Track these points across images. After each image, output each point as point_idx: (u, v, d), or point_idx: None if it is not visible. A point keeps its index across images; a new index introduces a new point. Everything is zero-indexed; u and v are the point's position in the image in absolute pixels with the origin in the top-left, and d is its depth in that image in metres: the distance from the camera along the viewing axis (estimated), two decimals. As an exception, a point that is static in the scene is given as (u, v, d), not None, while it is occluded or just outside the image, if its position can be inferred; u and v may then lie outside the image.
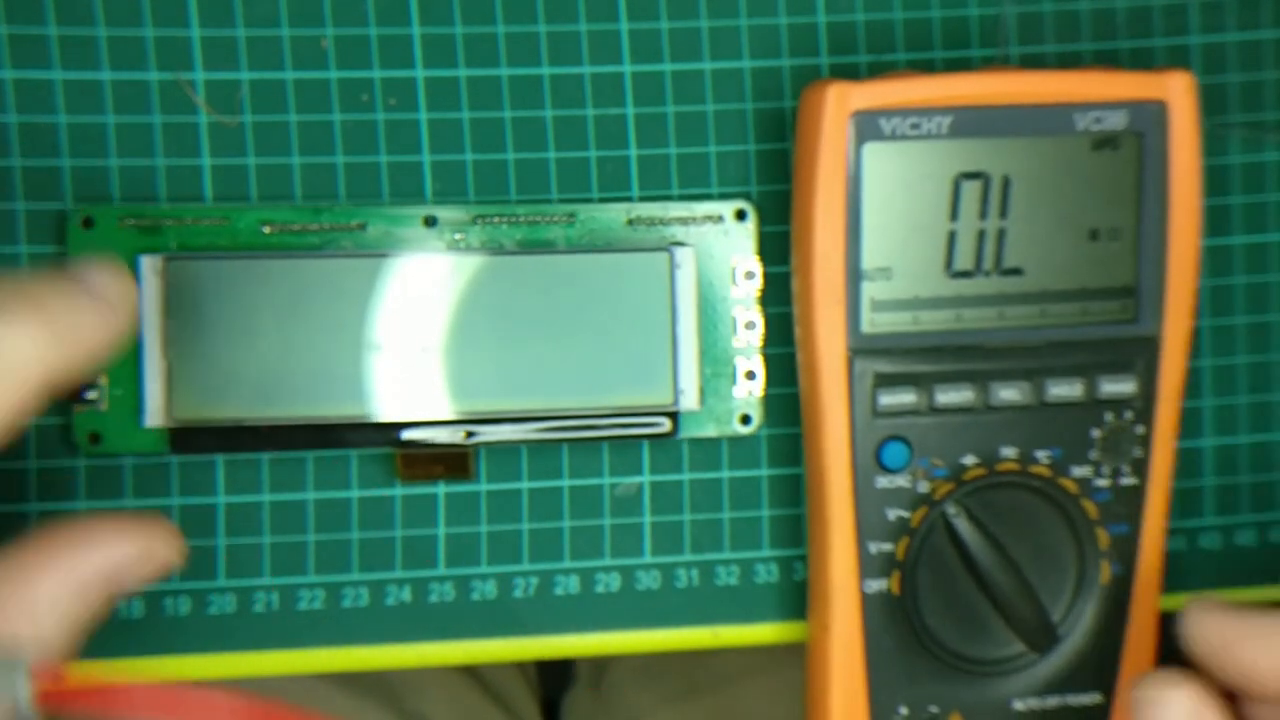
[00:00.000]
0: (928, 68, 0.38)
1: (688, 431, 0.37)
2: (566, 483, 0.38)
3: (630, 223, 0.37)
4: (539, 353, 0.36)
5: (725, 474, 0.38)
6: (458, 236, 0.36)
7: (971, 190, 0.35)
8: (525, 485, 0.37)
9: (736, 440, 0.38)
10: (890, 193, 0.34)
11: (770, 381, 0.38)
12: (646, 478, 0.38)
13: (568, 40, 0.37)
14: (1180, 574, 0.39)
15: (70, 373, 0.25)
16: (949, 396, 0.35)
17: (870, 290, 0.35)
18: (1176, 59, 0.38)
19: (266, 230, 0.36)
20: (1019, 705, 0.36)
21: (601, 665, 0.55)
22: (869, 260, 0.35)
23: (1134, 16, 0.38)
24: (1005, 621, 0.36)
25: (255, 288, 0.36)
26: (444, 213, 0.36)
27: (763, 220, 0.37)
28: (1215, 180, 0.38)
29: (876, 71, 0.37)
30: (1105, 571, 0.36)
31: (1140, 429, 0.36)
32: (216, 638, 0.37)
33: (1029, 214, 0.35)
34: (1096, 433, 0.36)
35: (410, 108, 0.37)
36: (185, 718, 0.25)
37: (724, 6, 0.37)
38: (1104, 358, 0.35)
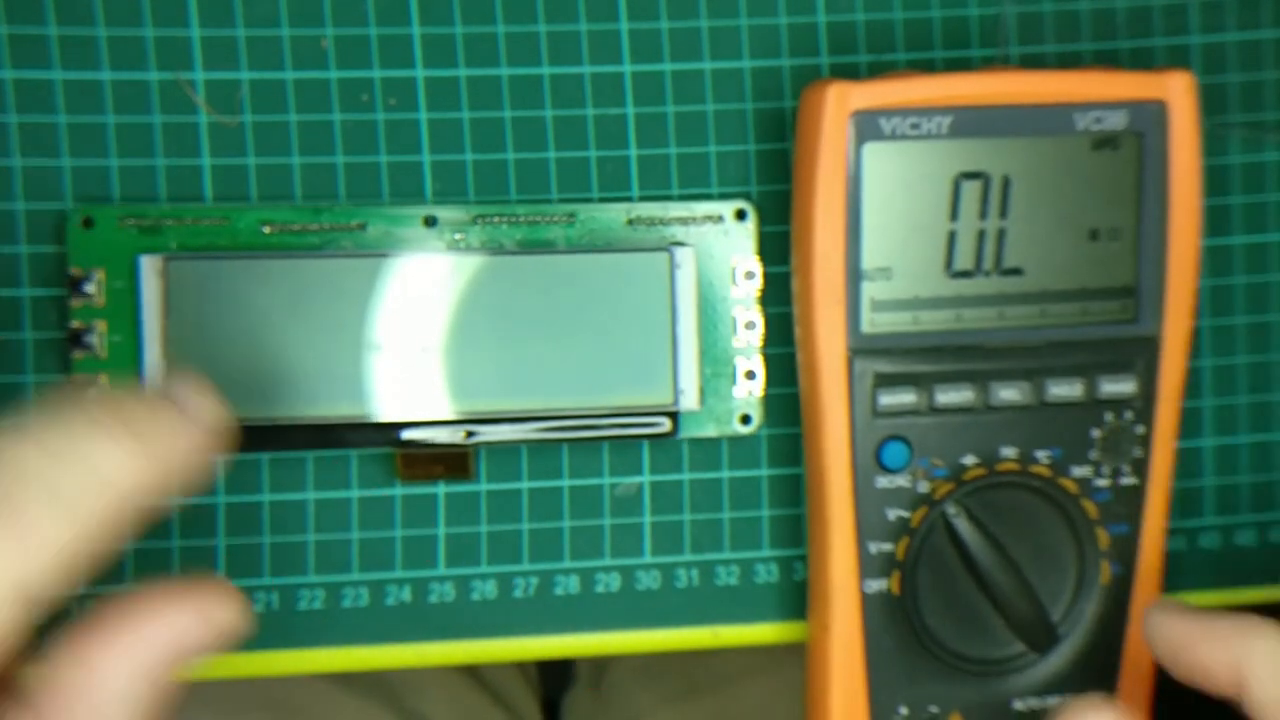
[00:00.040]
0: (928, 68, 0.38)
1: (688, 431, 0.37)
2: (566, 483, 0.38)
3: (630, 223, 0.37)
4: (539, 353, 0.36)
5: (725, 474, 0.38)
6: (458, 236, 0.36)
7: (971, 190, 0.35)
8: (525, 485, 0.37)
9: (736, 440, 0.38)
10: (890, 193, 0.34)
11: (770, 381, 0.38)
12: (646, 478, 0.38)
13: (568, 40, 0.37)
14: (1180, 574, 0.39)
15: (159, 492, 0.25)
16: (949, 396, 0.35)
17: (870, 290, 0.35)
18: (1176, 59, 0.38)
19: (266, 230, 0.36)
20: (1019, 705, 0.36)
21: (601, 665, 0.55)
22: (869, 260, 0.35)
23: (1134, 16, 0.38)
24: (1005, 621, 0.36)
25: (255, 288, 0.36)
26: (444, 213, 0.36)
27: (763, 220, 0.37)
28: (1215, 180, 0.38)
29: (876, 71, 0.37)
30: (1105, 571, 0.36)
31: (1140, 429, 0.36)
32: (216, 638, 0.37)
33: (1029, 214, 0.35)
34: (1096, 433, 0.36)
35: (410, 108, 0.37)
36: None
37: (724, 6, 0.37)
38: (1104, 358, 0.35)
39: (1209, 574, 0.39)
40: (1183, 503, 0.39)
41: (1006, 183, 0.35)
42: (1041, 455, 0.35)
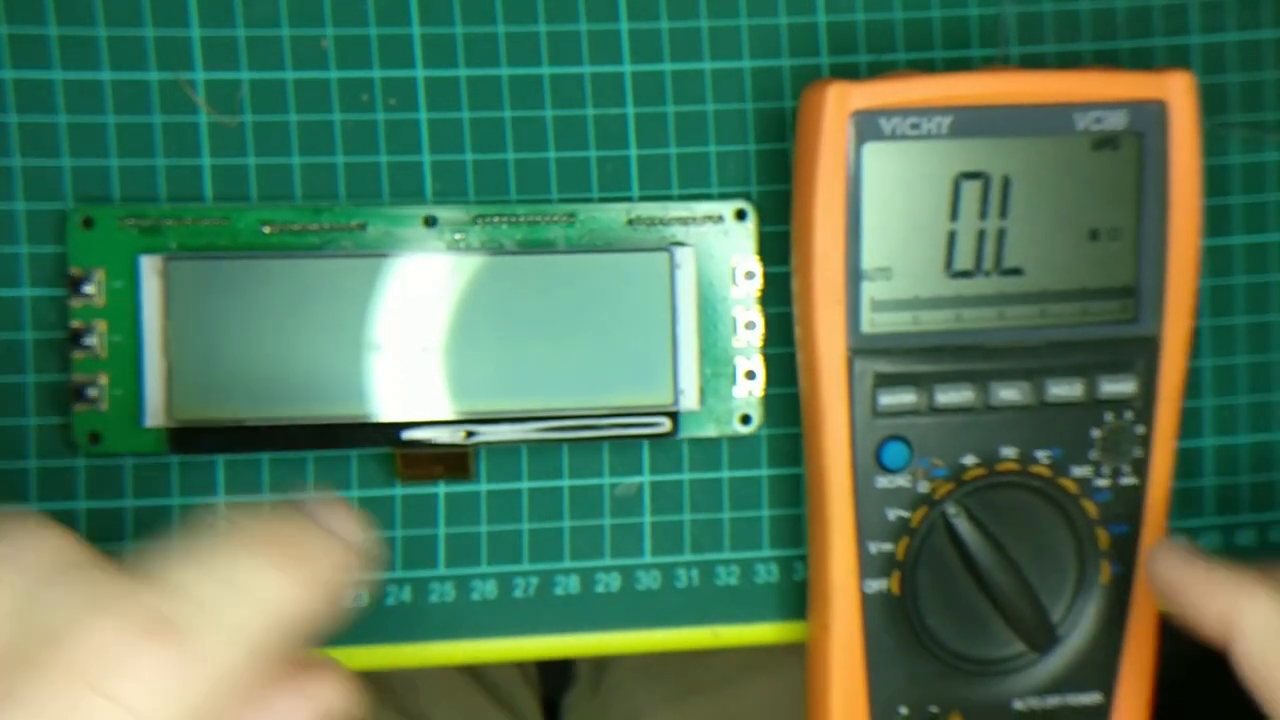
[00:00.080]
0: (928, 68, 0.38)
1: (688, 431, 0.37)
2: (566, 483, 0.38)
3: (630, 223, 0.37)
4: (539, 353, 0.36)
5: (725, 474, 0.38)
6: (458, 236, 0.36)
7: (971, 190, 0.35)
8: (525, 485, 0.37)
9: (736, 440, 0.38)
10: (890, 193, 0.34)
11: (770, 381, 0.38)
12: (646, 478, 0.38)
13: (568, 40, 0.37)
14: (1180, 574, 0.39)
15: (315, 615, 0.25)
16: (949, 396, 0.35)
17: (870, 290, 0.35)
18: (1176, 59, 0.38)
19: (266, 230, 0.36)
20: (1019, 705, 0.36)
21: (601, 665, 0.55)
22: (869, 260, 0.35)
23: (1134, 16, 0.38)
24: (1005, 621, 0.36)
25: (255, 288, 0.36)
26: (444, 213, 0.36)
27: (763, 220, 0.37)
28: (1215, 180, 0.38)
29: (876, 71, 0.37)
30: (1105, 571, 0.36)
31: (1140, 429, 0.36)
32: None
33: (1029, 214, 0.35)
34: (1096, 433, 0.36)
35: (410, 108, 0.37)
36: None
37: (724, 6, 0.37)
38: (1104, 358, 0.35)
39: (1209, 574, 0.39)
40: (1183, 503, 0.39)
41: (1006, 183, 0.35)
42: (1041, 455, 0.35)
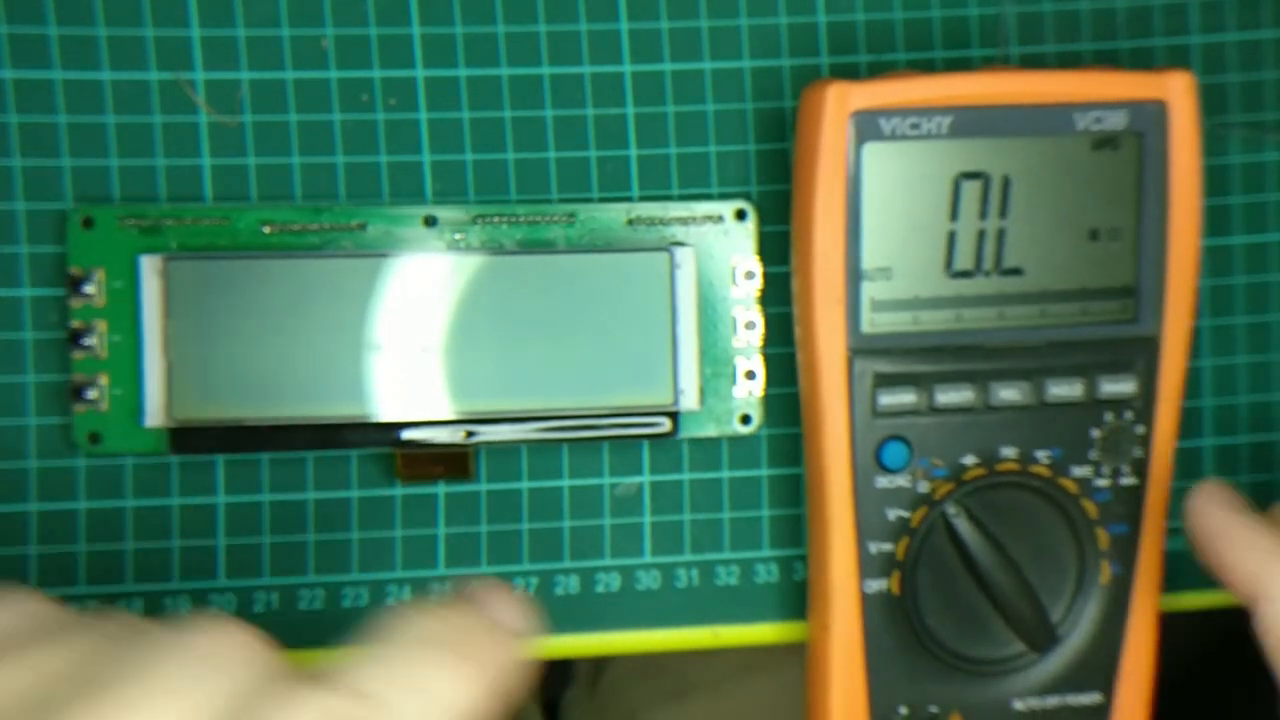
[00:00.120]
0: (928, 68, 0.38)
1: (688, 431, 0.37)
2: (566, 483, 0.38)
3: (630, 223, 0.37)
4: (539, 353, 0.36)
5: (725, 474, 0.38)
6: (458, 236, 0.36)
7: (971, 190, 0.35)
8: (525, 485, 0.37)
9: (736, 440, 0.38)
10: (890, 193, 0.34)
11: (770, 381, 0.38)
12: (646, 478, 0.38)
13: (568, 40, 0.37)
14: (1180, 574, 0.39)
15: (489, 708, 0.26)
16: (949, 396, 0.35)
17: (870, 290, 0.35)
18: (1176, 59, 0.38)
19: (266, 230, 0.36)
20: (1019, 705, 0.36)
21: (600, 664, 0.55)
22: (869, 260, 0.35)
23: (1134, 16, 0.38)
24: (1005, 621, 0.36)
25: (255, 288, 0.36)
26: (444, 213, 0.36)
27: (763, 220, 0.37)
28: (1215, 180, 0.38)
29: (876, 71, 0.37)
30: (1105, 571, 0.36)
31: (1140, 429, 0.36)
32: (216, 638, 0.37)
33: (1029, 214, 0.35)
34: (1096, 433, 0.36)
35: (410, 108, 0.37)
36: None
37: (724, 6, 0.37)
38: (1104, 358, 0.35)
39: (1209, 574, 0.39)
40: (1183, 503, 0.39)
41: (1006, 183, 0.35)
42: (1041, 455, 0.35)
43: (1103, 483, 0.36)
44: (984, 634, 0.36)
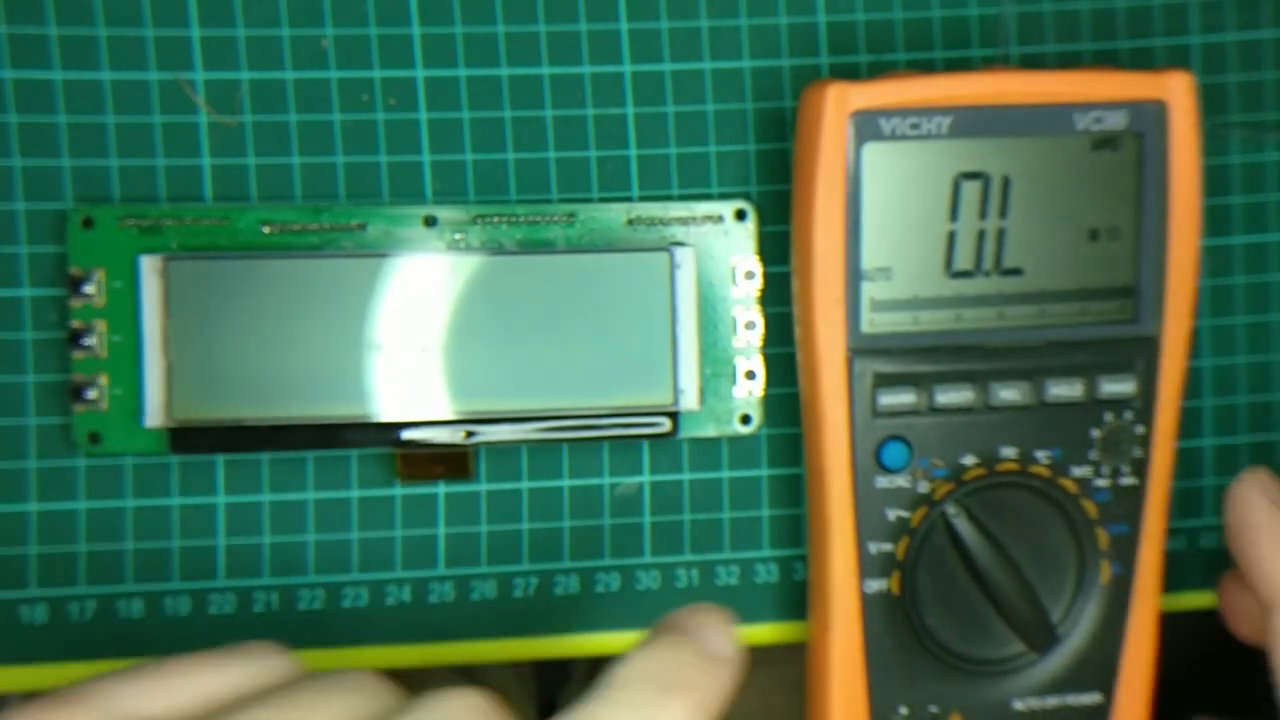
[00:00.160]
0: (928, 68, 0.38)
1: (688, 431, 0.37)
2: (566, 483, 0.38)
3: (630, 223, 0.37)
4: (539, 353, 0.36)
5: (725, 474, 0.38)
6: (458, 236, 0.36)
7: (971, 190, 0.35)
8: (525, 485, 0.37)
9: (736, 440, 0.38)
10: (890, 193, 0.34)
11: (770, 381, 0.38)
12: (646, 478, 0.38)
13: (568, 40, 0.37)
14: (1180, 574, 0.39)
15: None
16: (949, 396, 0.35)
17: (870, 290, 0.35)
18: (1176, 59, 0.38)
19: (266, 230, 0.36)
20: (1019, 705, 0.36)
21: (598, 663, 0.55)
22: (869, 260, 0.35)
23: (1134, 16, 0.38)
24: (1005, 621, 0.36)
25: (255, 288, 0.36)
26: (444, 213, 0.36)
27: (763, 220, 0.37)
28: (1215, 180, 0.38)
29: (876, 71, 0.37)
30: (1105, 571, 0.36)
31: (1140, 429, 0.36)
32: (216, 638, 0.37)
33: (1029, 214, 0.35)
34: (1096, 433, 0.36)
35: (410, 108, 0.37)
36: None
37: (724, 6, 0.37)
38: (1104, 358, 0.35)
39: (1209, 574, 0.39)
40: (1183, 503, 0.39)
41: (1006, 183, 0.35)
42: (1041, 455, 0.35)
43: (1103, 483, 0.36)
44: (984, 634, 0.36)
